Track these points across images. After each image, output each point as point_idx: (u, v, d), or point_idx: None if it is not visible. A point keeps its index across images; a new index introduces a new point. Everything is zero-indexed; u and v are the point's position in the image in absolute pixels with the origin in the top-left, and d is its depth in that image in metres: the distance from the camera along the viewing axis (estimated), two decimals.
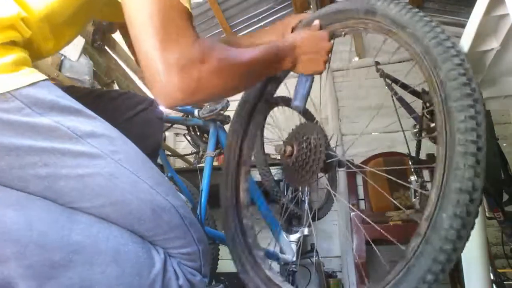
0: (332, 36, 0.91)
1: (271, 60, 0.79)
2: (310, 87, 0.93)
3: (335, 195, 1.88)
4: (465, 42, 0.82)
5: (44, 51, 0.69)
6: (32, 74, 0.59)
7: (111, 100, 0.92)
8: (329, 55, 0.90)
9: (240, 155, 1.05)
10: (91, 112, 0.65)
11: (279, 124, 1.97)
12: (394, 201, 2.12)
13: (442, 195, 0.56)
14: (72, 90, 0.72)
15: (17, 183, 0.57)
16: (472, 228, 0.56)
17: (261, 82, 1.04)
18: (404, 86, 1.86)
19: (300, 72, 0.90)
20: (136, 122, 0.90)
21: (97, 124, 0.64)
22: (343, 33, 0.89)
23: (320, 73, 0.91)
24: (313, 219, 1.87)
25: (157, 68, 0.58)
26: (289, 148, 0.89)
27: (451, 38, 0.64)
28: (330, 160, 0.84)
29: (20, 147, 0.55)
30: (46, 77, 0.60)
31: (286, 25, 1.03)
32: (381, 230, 0.95)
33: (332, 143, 0.89)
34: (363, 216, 2.32)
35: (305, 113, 1.81)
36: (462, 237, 0.55)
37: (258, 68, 0.75)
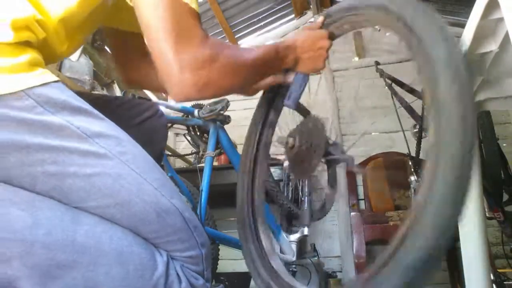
0: (333, 36, 0.92)
1: (272, 59, 0.82)
2: (304, 88, 0.94)
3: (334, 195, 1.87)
4: (464, 44, 0.83)
5: (58, 54, 0.70)
6: (45, 75, 0.60)
7: (116, 108, 0.93)
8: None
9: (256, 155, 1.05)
10: (100, 113, 0.66)
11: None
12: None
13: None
14: (82, 96, 0.73)
15: (26, 181, 0.58)
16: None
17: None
18: (404, 86, 1.87)
19: (301, 70, 0.92)
20: (143, 128, 0.93)
21: (106, 125, 0.65)
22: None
23: (320, 70, 0.94)
24: (313, 219, 1.88)
25: (172, 68, 0.62)
26: (290, 140, 0.90)
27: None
28: (331, 156, 0.83)
29: (31, 145, 0.56)
30: (58, 79, 0.62)
31: None
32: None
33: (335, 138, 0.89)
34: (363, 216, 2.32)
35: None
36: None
37: (261, 66, 0.79)
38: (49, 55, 0.66)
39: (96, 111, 0.65)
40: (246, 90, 0.92)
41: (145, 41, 0.66)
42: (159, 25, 0.63)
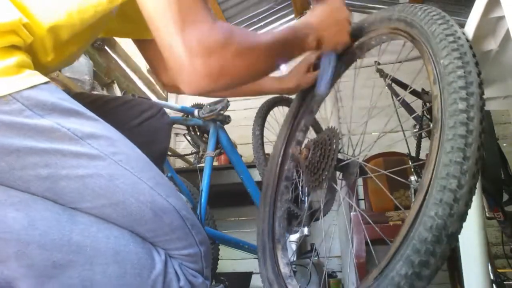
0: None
1: (290, 41, 0.78)
2: (334, 69, 0.90)
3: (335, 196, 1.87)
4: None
5: (42, 63, 0.68)
6: (33, 77, 0.59)
7: (116, 108, 0.92)
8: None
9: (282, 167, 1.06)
10: (93, 114, 0.65)
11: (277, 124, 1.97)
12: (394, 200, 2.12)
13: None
14: (79, 97, 0.72)
15: (19, 184, 0.57)
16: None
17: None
18: (404, 86, 1.87)
19: (326, 49, 0.88)
20: (141, 130, 0.91)
21: (98, 126, 0.64)
22: None
23: (347, 43, 0.89)
24: (313, 219, 1.87)
25: (180, 54, 0.59)
26: (304, 150, 0.91)
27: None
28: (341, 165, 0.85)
29: (21, 148, 0.55)
30: (48, 80, 0.61)
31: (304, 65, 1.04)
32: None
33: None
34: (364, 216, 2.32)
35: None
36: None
37: (279, 49, 0.75)
38: (34, 64, 0.64)
39: (88, 112, 0.64)
40: (266, 75, 0.83)
41: (152, 33, 0.63)
42: (162, 12, 0.60)
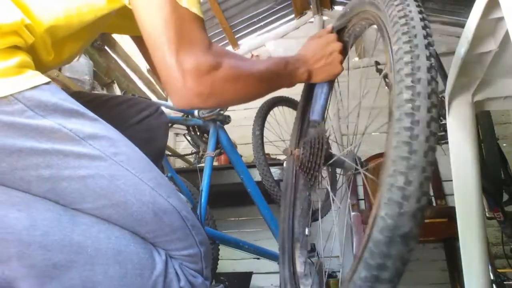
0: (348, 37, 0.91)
1: (281, 71, 0.81)
2: (327, 98, 0.93)
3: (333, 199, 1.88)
4: (463, 44, 0.83)
5: (44, 63, 0.69)
6: (35, 77, 0.59)
7: (115, 106, 0.93)
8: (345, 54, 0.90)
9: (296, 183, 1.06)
10: (94, 115, 0.65)
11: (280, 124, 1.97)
12: None
13: None
14: (77, 96, 0.72)
15: (20, 184, 0.57)
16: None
17: None
18: None
19: (319, 80, 0.91)
20: (139, 129, 0.92)
21: (99, 127, 0.65)
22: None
23: (339, 73, 0.93)
24: (313, 219, 1.88)
25: (173, 74, 0.62)
26: (296, 151, 0.91)
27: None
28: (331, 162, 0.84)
29: (23, 149, 0.55)
30: (49, 80, 0.61)
31: None
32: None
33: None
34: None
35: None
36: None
37: (269, 79, 0.78)
38: (36, 62, 0.64)
39: (89, 113, 0.64)
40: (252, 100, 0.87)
41: (147, 46, 0.65)
42: (160, 31, 0.62)
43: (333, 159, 0.83)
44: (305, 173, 0.87)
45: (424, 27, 0.57)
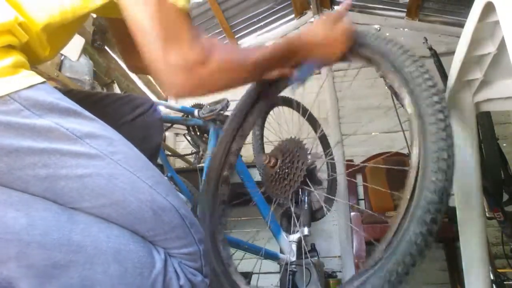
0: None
1: (278, 58, 0.81)
2: (308, 76, 0.91)
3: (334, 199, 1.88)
4: (462, 46, 0.83)
5: (41, 57, 0.70)
6: (30, 77, 0.59)
7: (109, 104, 0.92)
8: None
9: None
10: (90, 114, 0.65)
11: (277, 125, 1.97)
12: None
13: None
14: (70, 94, 0.72)
15: (18, 184, 0.57)
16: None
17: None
18: None
19: (314, 61, 0.87)
20: (134, 126, 0.92)
21: (96, 125, 0.64)
22: None
23: (339, 57, 0.88)
24: (312, 220, 1.88)
25: (161, 69, 0.63)
26: (273, 159, 0.93)
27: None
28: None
29: (20, 149, 0.55)
30: (45, 80, 0.61)
31: None
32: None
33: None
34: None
35: (307, 113, 1.82)
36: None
37: (264, 65, 0.78)
38: (32, 58, 0.65)
39: (86, 112, 0.64)
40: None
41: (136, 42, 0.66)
42: (147, 29, 0.63)
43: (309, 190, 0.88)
44: (279, 182, 0.89)
45: None
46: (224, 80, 0.69)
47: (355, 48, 0.86)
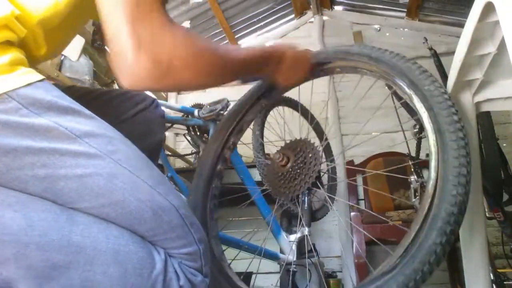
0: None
1: (257, 64, 0.81)
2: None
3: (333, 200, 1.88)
4: (462, 46, 0.83)
5: (37, 56, 0.68)
6: (29, 74, 0.58)
7: (110, 100, 0.91)
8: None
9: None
10: (90, 112, 0.64)
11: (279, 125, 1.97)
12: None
13: None
14: (71, 90, 0.71)
15: (16, 184, 0.56)
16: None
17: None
18: None
19: (281, 81, 0.92)
20: (135, 122, 0.90)
21: (96, 124, 0.64)
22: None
23: (298, 82, 0.96)
24: (312, 220, 1.88)
25: (126, 44, 0.57)
26: (285, 158, 0.93)
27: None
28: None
29: (18, 148, 0.55)
30: (43, 77, 0.60)
31: None
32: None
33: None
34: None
35: (306, 114, 1.82)
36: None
37: (245, 67, 0.77)
38: (28, 58, 0.63)
39: (85, 110, 0.63)
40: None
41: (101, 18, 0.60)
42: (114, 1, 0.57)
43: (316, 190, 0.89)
44: (288, 181, 0.90)
45: None
46: (192, 73, 0.63)
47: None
